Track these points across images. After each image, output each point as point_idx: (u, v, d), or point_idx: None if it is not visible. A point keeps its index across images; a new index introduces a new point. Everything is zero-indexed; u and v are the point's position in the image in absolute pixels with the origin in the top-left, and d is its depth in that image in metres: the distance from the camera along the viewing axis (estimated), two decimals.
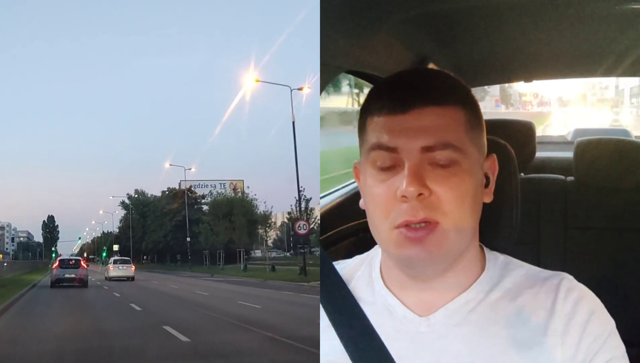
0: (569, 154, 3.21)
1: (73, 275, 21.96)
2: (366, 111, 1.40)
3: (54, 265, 23.44)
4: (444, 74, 1.46)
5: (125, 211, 69.10)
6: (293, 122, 25.33)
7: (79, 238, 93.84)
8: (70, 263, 23.03)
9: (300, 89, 26.55)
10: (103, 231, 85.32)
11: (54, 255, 68.48)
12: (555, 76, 4.61)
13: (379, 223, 1.36)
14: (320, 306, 1.47)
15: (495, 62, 3.87)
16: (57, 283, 21.71)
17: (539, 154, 3.70)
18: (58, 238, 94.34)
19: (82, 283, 21.86)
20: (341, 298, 1.47)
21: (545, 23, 2.89)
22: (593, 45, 3.27)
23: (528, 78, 4.55)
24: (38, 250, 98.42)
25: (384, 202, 1.34)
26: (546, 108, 22.57)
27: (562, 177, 3.11)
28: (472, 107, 1.39)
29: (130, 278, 27.50)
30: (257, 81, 28.27)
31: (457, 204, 1.32)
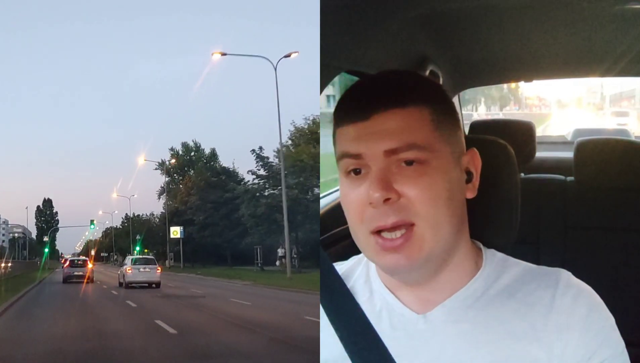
0: (569, 154, 3.21)
1: (81, 273, 25.91)
2: (335, 122, 1.43)
3: (65, 265, 28.01)
4: (408, 74, 1.47)
5: (168, 178, 46.09)
6: None
7: (92, 222, 54.88)
8: (79, 262, 27.94)
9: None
10: (127, 214, 56.15)
11: (47, 250, 52.86)
12: (555, 76, 4.61)
13: (356, 229, 1.38)
14: (320, 305, 1.48)
15: (495, 62, 3.87)
16: (68, 279, 25.43)
17: (539, 154, 3.70)
18: (57, 229, 71.49)
19: (89, 279, 25.43)
20: (341, 297, 1.48)
21: (545, 23, 2.89)
22: (593, 45, 3.28)
23: (528, 78, 4.55)
24: (26, 244, 78.39)
25: (357, 208, 1.36)
26: (546, 110, 22.76)
27: (562, 177, 3.11)
28: (440, 104, 1.39)
29: (156, 284, 20.92)
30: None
31: (430, 203, 1.31)
